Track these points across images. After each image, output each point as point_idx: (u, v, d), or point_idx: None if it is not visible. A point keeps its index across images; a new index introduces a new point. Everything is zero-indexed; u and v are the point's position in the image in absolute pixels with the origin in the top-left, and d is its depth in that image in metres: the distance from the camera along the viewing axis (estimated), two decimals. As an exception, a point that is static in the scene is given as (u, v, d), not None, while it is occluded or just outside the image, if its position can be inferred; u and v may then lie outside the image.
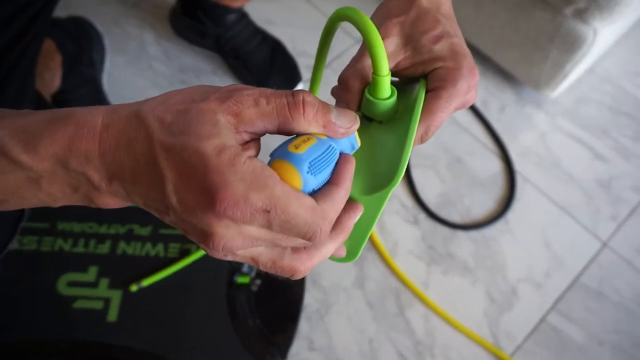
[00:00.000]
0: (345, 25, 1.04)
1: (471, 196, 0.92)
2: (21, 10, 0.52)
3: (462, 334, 0.81)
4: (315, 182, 0.27)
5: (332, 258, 0.32)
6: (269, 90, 0.26)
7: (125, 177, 0.26)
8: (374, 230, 0.87)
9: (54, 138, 0.25)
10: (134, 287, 0.73)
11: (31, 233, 0.76)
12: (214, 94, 0.26)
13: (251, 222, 0.25)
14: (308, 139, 0.28)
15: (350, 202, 0.30)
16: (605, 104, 1.03)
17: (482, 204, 0.91)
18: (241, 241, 0.26)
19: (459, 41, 0.35)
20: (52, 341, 0.70)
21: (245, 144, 0.26)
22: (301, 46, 1.02)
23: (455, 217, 0.90)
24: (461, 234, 0.88)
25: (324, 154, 0.28)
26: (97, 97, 0.91)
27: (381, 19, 0.36)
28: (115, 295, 0.73)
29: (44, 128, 0.25)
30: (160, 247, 0.76)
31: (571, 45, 0.86)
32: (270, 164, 0.27)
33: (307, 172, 0.27)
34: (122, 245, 0.76)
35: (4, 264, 0.74)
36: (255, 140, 0.27)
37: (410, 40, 0.35)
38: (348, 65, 0.35)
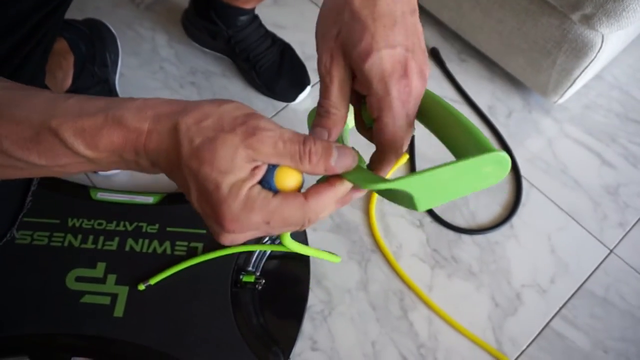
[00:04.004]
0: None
1: (476, 200, 0.92)
2: (29, 13, 0.53)
3: (466, 338, 0.81)
4: None
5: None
6: (286, 135, 0.31)
7: (164, 169, 0.33)
8: (379, 232, 0.87)
9: (111, 139, 0.31)
10: (141, 287, 0.74)
11: (42, 229, 0.78)
12: (240, 127, 0.30)
13: (255, 230, 0.32)
14: None
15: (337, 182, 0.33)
16: (614, 110, 1.02)
17: (488, 209, 0.91)
18: (245, 238, 0.33)
19: (391, 52, 0.32)
20: (59, 335, 0.71)
21: (255, 168, 0.31)
22: (310, 50, 1.03)
23: (460, 221, 0.90)
24: (466, 238, 0.89)
25: None
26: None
27: (320, 30, 0.36)
28: (122, 292, 0.74)
29: (101, 131, 0.31)
30: (167, 245, 0.77)
31: (579, 51, 0.86)
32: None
33: None
34: (130, 242, 0.78)
35: (14, 258, 0.76)
36: (264, 164, 0.31)
37: (348, 58, 0.34)
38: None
